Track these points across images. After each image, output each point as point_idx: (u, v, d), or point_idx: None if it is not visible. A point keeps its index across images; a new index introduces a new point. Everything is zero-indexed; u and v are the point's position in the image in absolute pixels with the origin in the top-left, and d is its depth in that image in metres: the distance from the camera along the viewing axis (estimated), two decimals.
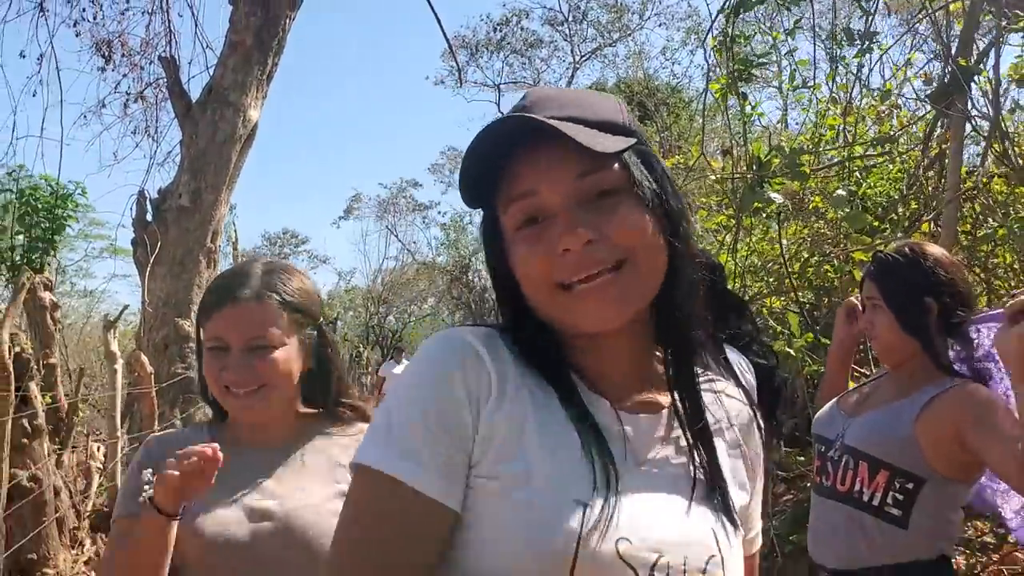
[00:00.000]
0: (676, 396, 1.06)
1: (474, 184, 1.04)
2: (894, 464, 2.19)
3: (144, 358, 6.50)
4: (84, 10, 8.28)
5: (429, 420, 0.97)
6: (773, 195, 4.05)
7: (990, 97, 4.41)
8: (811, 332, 4.23)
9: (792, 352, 4.09)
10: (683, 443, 1.04)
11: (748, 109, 4.73)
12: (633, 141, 1.03)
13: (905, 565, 2.16)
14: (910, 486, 2.16)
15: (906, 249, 2.37)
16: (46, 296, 5.81)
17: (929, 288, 2.28)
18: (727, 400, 1.12)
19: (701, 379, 1.09)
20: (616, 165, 1.01)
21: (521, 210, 1.01)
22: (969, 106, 4.33)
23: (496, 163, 1.03)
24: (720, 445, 1.08)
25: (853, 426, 2.32)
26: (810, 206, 5.87)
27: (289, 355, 1.76)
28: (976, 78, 4.33)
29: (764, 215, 4.64)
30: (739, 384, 1.14)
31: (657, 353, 1.10)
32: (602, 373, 1.06)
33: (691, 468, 1.03)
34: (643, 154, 1.05)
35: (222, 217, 8.42)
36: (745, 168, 4.35)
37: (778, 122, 9.50)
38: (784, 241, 5.24)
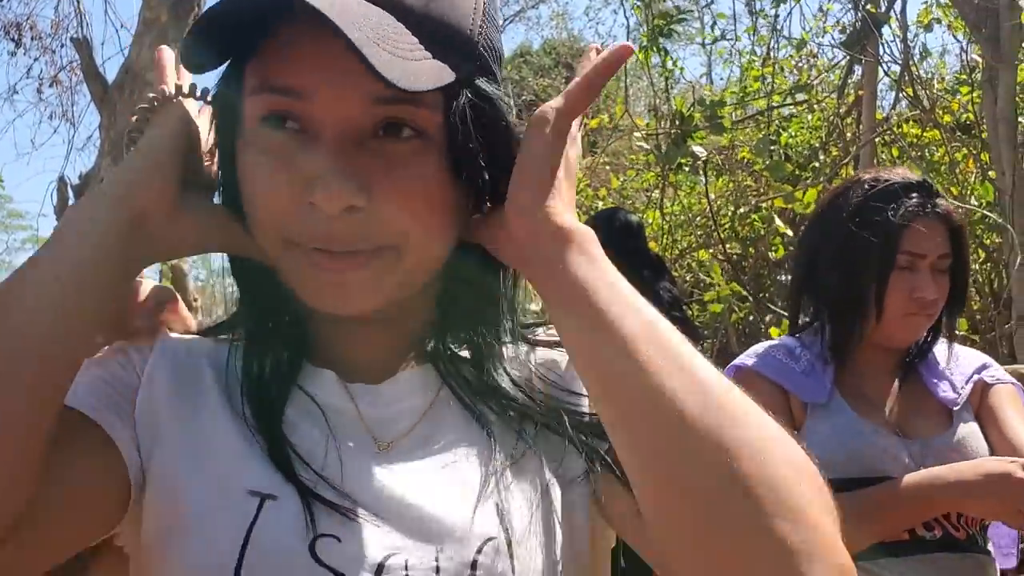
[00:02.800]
0: (442, 364, 0.79)
1: (223, 29, 0.67)
2: None
3: None
4: None
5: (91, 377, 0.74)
6: (696, 149, 4.13)
7: (900, 43, 4.53)
8: (736, 282, 4.34)
9: (720, 304, 4.20)
10: (460, 406, 0.77)
11: (670, 65, 4.78)
12: (469, 69, 0.70)
13: None
14: None
15: None
16: None
17: None
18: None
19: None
20: (433, 101, 0.68)
21: (275, 106, 0.69)
22: (881, 52, 4.45)
23: (263, 19, 0.67)
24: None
25: (932, 456, 1.56)
26: (738, 156, 5.99)
27: None
28: (887, 25, 4.45)
29: (688, 169, 4.73)
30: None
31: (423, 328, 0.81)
32: (335, 339, 0.79)
33: (483, 432, 0.75)
34: (480, 93, 0.71)
35: None
36: (668, 124, 4.41)
37: (701, 76, 9.61)
38: (711, 195, 5.34)
